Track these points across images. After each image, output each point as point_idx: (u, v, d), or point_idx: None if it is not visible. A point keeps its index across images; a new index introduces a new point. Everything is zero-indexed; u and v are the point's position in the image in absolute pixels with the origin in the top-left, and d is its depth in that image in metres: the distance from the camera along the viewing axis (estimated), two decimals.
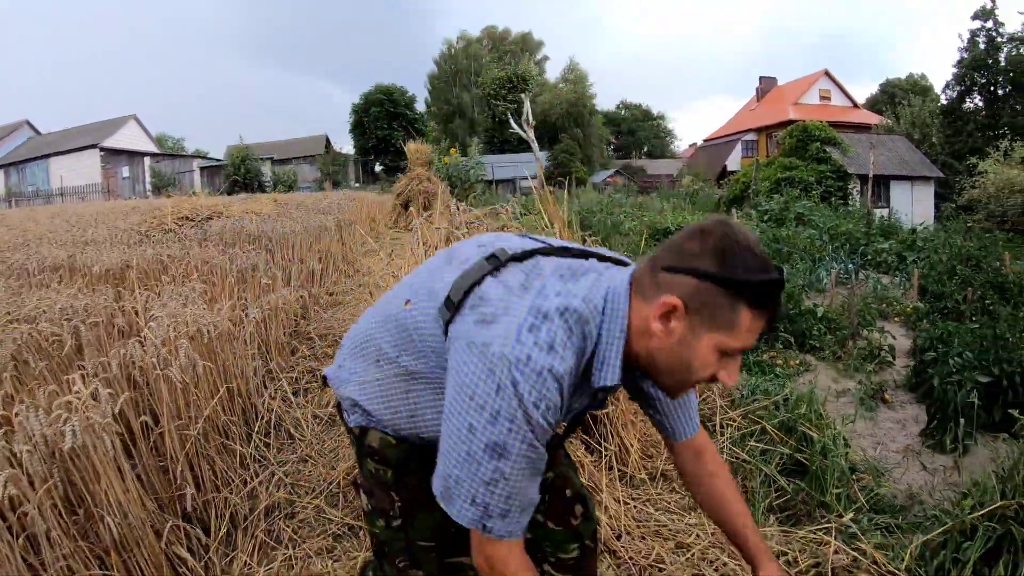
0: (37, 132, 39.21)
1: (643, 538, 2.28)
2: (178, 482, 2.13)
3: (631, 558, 2.16)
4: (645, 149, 58.40)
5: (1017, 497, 2.30)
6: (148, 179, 33.34)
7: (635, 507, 2.48)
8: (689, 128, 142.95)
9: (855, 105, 35.93)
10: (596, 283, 1.02)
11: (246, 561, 2.11)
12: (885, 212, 17.95)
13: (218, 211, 8.00)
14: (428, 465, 1.13)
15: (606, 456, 2.65)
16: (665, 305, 0.96)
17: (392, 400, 1.19)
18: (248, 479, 2.44)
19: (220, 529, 2.18)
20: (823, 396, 3.93)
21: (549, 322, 0.96)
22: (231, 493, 2.31)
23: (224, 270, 3.97)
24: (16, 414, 1.70)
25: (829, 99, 35.07)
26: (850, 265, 8.02)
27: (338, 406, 1.33)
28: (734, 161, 33.02)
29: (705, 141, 40.81)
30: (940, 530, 2.32)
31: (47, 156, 33.83)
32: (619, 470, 2.66)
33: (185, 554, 1.98)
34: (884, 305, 6.66)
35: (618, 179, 32.62)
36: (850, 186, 19.28)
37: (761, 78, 38.58)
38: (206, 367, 2.40)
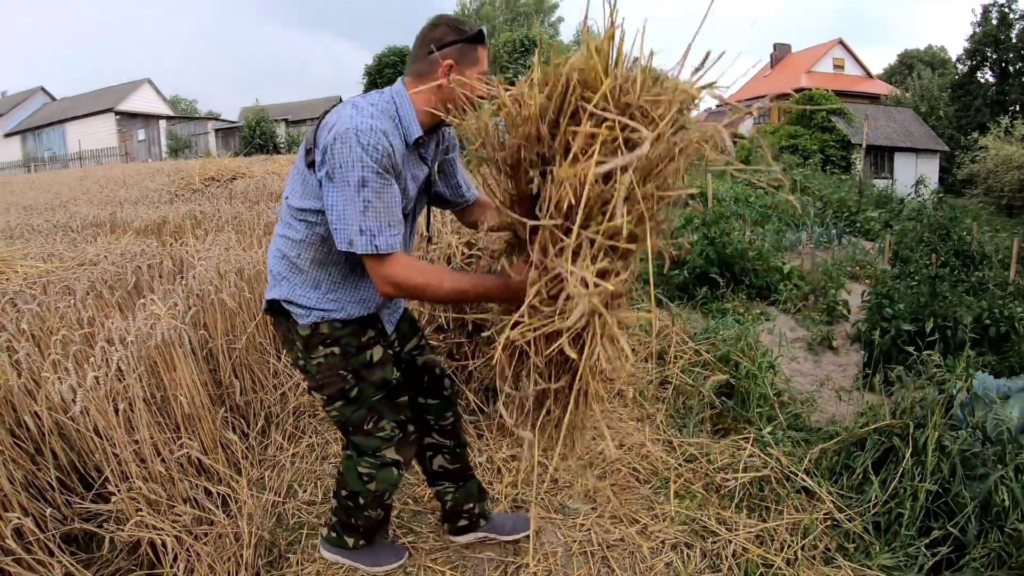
0: (52, 98, 39.50)
1: (593, 438, 2.85)
2: (226, 384, 2.73)
3: (581, 453, 2.74)
4: None
5: (903, 418, 2.84)
6: (164, 142, 33.71)
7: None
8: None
9: (868, 75, 35.59)
10: (382, 92, 1.64)
11: (281, 445, 2.71)
12: (887, 183, 18.22)
13: (241, 172, 8.52)
14: (360, 340, 1.74)
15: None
16: (446, 66, 1.59)
17: (321, 269, 1.71)
18: (279, 386, 3.04)
19: (258, 422, 2.79)
20: (771, 339, 4.47)
21: (364, 110, 1.53)
22: (266, 395, 2.91)
23: (252, 223, 4.54)
24: (112, 323, 2.28)
25: (843, 68, 34.72)
26: (832, 230, 8.47)
27: (284, 327, 1.78)
28: (746, 128, 32.95)
29: (717, 107, 40.52)
30: (836, 440, 2.87)
31: (63, 121, 34.24)
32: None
33: (233, 437, 2.58)
34: (858, 268, 7.15)
35: None
36: (853, 156, 19.51)
37: (775, 45, 38.08)
38: (248, 297, 2.98)
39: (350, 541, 2.01)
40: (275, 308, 1.76)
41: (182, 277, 3.01)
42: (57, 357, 2.15)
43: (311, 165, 1.60)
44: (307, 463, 2.65)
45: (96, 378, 2.02)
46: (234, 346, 2.77)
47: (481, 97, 1.61)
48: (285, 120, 34.48)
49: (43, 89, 39.48)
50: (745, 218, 7.68)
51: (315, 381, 1.78)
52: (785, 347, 4.03)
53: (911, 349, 3.57)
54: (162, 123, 34.64)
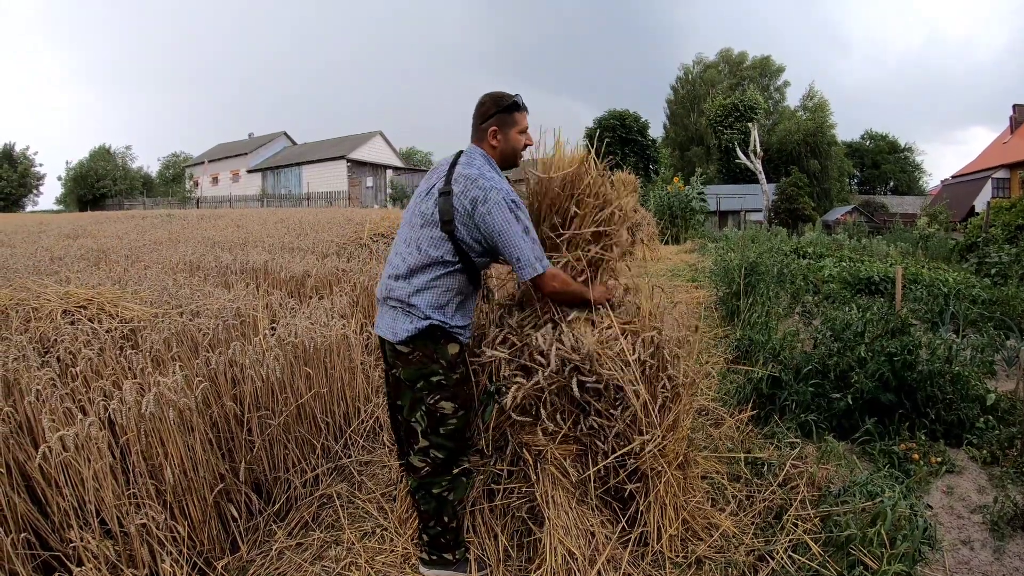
0: (293, 142, 46.25)
1: None
2: (241, 459, 2.65)
3: None
4: (891, 184, 52.82)
5: None
6: (388, 190, 37.56)
7: None
8: (942, 162, 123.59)
9: None
10: (471, 155, 2.29)
11: (291, 530, 2.60)
12: None
13: None
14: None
15: (632, 535, 2.49)
16: (492, 133, 2.28)
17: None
18: (317, 466, 2.93)
19: (278, 502, 2.69)
20: (947, 504, 3.30)
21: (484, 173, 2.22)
22: (298, 476, 2.81)
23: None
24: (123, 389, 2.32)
25: None
26: None
27: (429, 349, 2.16)
28: (983, 201, 28.37)
29: (953, 177, 35.50)
30: None
31: (300, 164, 39.77)
32: (652, 547, 2.48)
33: (234, 512, 2.50)
34: None
35: (849, 217, 29.40)
36: None
37: (1015, 107, 32.48)
38: (303, 371, 2.96)
39: (449, 556, 2.35)
40: (426, 333, 2.16)
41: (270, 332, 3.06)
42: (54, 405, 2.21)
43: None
44: (306, 556, 2.49)
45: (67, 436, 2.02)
46: (269, 421, 2.72)
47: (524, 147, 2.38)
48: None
49: (285, 133, 46.40)
50: (959, 319, 6.11)
51: (450, 392, 2.21)
52: (952, 530, 2.94)
53: None
54: (388, 172, 38.69)
